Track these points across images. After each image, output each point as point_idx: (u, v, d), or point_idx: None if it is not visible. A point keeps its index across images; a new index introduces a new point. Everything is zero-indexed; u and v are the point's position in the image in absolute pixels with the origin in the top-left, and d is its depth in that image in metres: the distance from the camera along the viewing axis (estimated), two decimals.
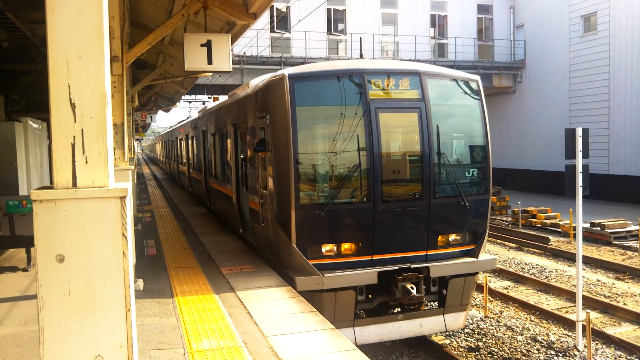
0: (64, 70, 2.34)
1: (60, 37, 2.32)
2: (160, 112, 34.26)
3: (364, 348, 6.54)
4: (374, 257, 7.89)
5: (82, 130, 2.37)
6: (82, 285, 2.35)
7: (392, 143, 8.24)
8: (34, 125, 13.67)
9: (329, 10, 27.45)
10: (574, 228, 15.19)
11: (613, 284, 12.45)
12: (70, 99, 2.35)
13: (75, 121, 2.36)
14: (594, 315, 10.09)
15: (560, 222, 18.32)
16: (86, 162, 2.37)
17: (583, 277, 10.55)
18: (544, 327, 9.85)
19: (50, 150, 2.51)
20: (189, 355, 5.14)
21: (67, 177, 2.37)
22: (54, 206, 2.33)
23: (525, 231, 18.14)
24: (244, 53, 24.47)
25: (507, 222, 20.25)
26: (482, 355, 8.77)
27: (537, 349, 8.83)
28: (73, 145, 2.36)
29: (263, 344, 5.37)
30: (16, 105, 15.41)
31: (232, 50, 9.06)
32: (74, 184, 2.37)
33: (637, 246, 15.26)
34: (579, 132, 8.81)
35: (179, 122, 28.61)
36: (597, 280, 12.68)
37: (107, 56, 2.42)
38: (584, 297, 9.76)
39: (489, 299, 11.15)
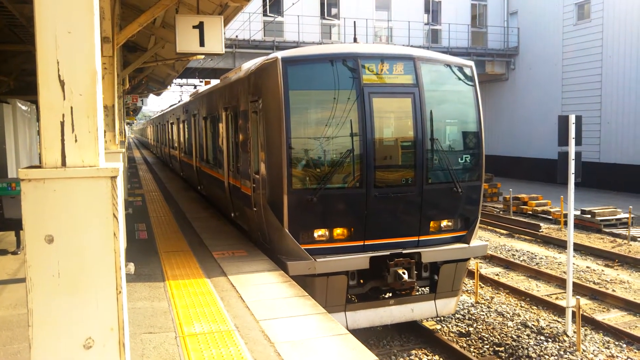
0: (53, 46, 2.26)
1: (49, 10, 2.24)
2: (151, 95, 33.97)
3: (355, 332, 6.55)
4: (366, 243, 7.89)
5: (72, 108, 2.30)
6: (72, 266, 2.29)
7: (385, 128, 8.20)
8: (23, 107, 13.50)
9: None
10: (565, 215, 15.28)
11: (602, 270, 12.56)
12: (59, 76, 2.27)
13: (64, 99, 2.29)
14: (584, 301, 10.17)
15: (551, 210, 18.43)
16: (75, 140, 2.31)
17: (573, 264, 10.61)
18: (534, 313, 9.93)
19: (39, 130, 2.42)
20: (180, 339, 5.12)
21: (56, 156, 2.30)
22: (43, 186, 2.27)
23: (517, 218, 18.24)
24: (237, 37, 24.22)
25: (499, 209, 20.34)
26: (473, 341, 8.83)
27: (527, 335, 8.90)
28: (62, 124, 2.30)
29: (255, 328, 5.36)
30: (4, 87, 15.18)
31: (224, 33, 8.92)
32: (63, 163, 2.31)
33: (627, 234, 15.38)
34: (572, 119, 8.82)
35: (170, 106, 28.36)
36: (587, 267, 12.79)
37: (97, 32, 2.34)
38: (573, 283, 9.83)
39: (479, 285, 11.21)
